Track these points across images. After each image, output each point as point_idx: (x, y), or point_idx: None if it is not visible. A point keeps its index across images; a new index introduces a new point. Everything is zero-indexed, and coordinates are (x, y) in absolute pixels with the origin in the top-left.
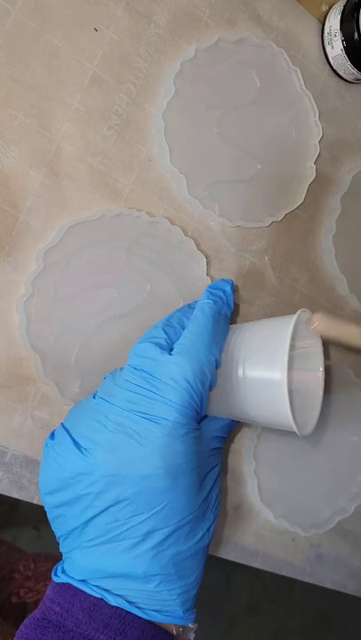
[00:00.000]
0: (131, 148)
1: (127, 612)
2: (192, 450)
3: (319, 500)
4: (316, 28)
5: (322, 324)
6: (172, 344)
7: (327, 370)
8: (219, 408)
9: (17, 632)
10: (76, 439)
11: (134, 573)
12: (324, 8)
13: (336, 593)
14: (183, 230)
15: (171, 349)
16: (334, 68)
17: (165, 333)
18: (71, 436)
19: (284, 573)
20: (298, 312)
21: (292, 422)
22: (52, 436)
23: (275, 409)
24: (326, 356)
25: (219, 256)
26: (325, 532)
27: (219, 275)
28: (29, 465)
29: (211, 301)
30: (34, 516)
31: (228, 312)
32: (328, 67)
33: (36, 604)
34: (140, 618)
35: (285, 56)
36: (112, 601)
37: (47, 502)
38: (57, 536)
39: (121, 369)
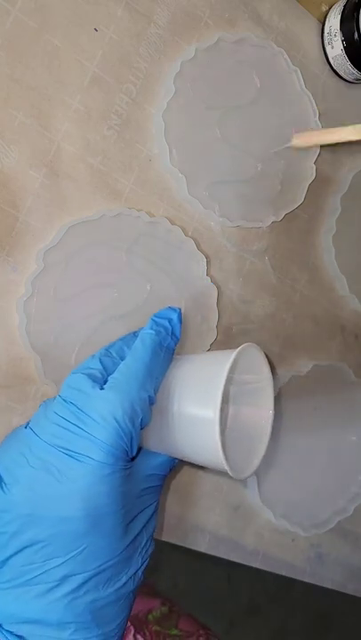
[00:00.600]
0: (131, 148)
1: None
2: (117, 491)
3: (319, 499)
4: (316, 28)
5: (299, 139)
6: (108, 376)
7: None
8: (155, 443)
9: None
10: (1, 472)
11: (49, 620)
12: (324, 8)
13: (336, 593)
14: (183, 230)
15: (105, 381)
16: (334, 68)
17: (101, 364)
18: None
19: (284, 573)
20: (242, 346)
21: (224, 464)
22: None
23: (208, 449)
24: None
25: (219, 256)
26: (325, 531)
27: (219, 275)
28: None
29: (153, 332)
30: None
31: (173, 343)
32: (328, 67)
33: None
34: None
35: (285, 56)
36: None
37: None
38: None
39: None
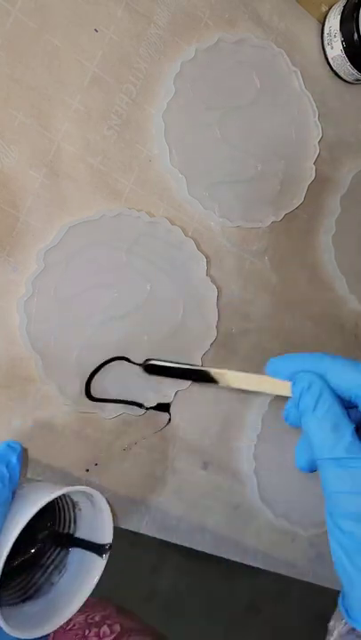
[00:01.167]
0: (131, 149)
1: None
2: None
3: (319, 499)
4: (315, 29)
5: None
6: None
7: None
8: None
9: None
10: None
11: None
12: (323, 9)
13: (336, 593)
14: (183, 230)
15: None
16: (334, 68)
17: None
18: None
19: (284, 573)
20: (63, 490)
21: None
22: None
23: None
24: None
25: (219, 256)
26: (325, 531)
27: (219, 275)
28: (30, 465)
29: None
30: None
31: (9, 493)
32: (328, 67)
33: None
34: None
35: (285, 56)
36: None
37: None
38: None
39: None
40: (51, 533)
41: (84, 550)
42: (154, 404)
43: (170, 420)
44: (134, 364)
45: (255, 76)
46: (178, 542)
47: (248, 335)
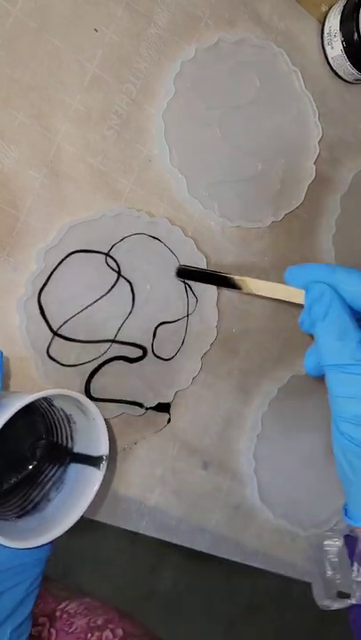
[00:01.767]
0: (131, 149)
1: None
2: None
3: (319, 499)
4: (315, 29)
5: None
6: None
7: None
8: None
9: None
10: None
11: None
12: (323, 8)
13: None
14: (183, 230)
15: None
16: (334, 68)
17: None
18: None
19: (284, 573)
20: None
21: None
22: None
23: None
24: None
25: (219, 256)
26: (325, 531)
27: None
28: None
29: None
30: None
31: None
32: (328, 67)
33: None
34: None
35: (285, 56)
36: None
37: None
38: None
39: None
40: (48, 449)
41: (82, 465)
42: (154, 404)
43: (170, 419)
44: (134, 363)
45: (255, 76)
46: (178, 542)
47: (248, 335)
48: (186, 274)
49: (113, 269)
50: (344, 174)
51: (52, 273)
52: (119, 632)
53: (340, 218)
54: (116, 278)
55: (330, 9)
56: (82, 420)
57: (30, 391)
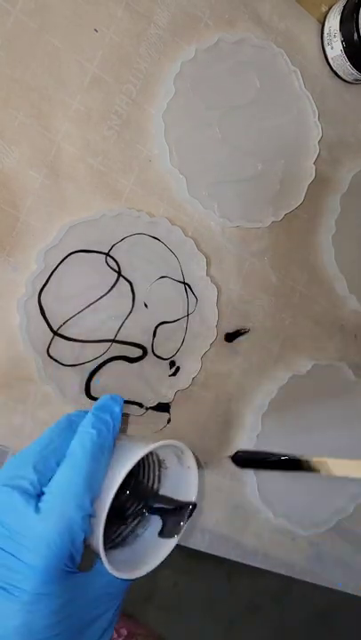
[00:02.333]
0: (131, 149)
1: None
2: (58, 615)
3: (319, 499)
4: (315, 29)
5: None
6: (42, 487)
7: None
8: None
9: None
10: None
11: None
12: (323, 9)
13: (336, 592)
14: (183, 230)
15: (40, 494)
16: (334, 68)
17: (36, 472)
18: None
19: (283, 573)
20: (164, 442)
21: (102, 555)
22: None
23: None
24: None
25: (219, 256)
26: (325, 531)
27: (219, 275)
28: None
29: (94, 432)
30: None
31: (112, 441)
32: (328, 67)
33: None
34: None
35: (285, 56)
36: None
37: None
38: None
39: None
40: (134, 487)
41: (165, 506)
42: (154, 404)
43: (170, 419)
44: (134, 362)
45: (255, 76)
46: (178, 542)
47: (248, 335)
48: (244, 462)
49: (113, 269)
50: (344, 174)
51: (52, 273)
52: (123, 632)
53: (340, 218)
54: (116, 278)
55: (330, 9)
56: (174, 465)
57: (144, 437)
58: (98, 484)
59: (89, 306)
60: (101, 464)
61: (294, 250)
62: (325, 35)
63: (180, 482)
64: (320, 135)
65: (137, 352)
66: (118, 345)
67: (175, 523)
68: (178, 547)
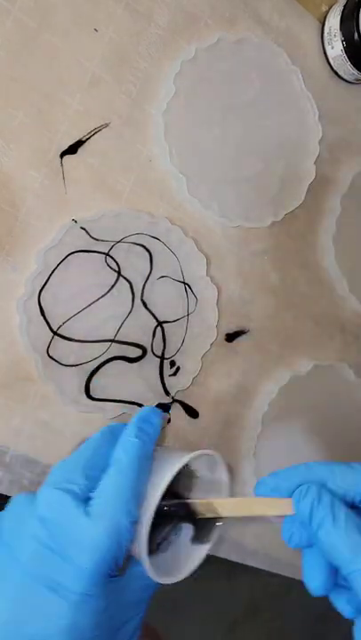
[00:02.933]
0: (131, 149)
1: None
2: (102, 616)
3: None
4: (316, 29)
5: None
6: (90, 492)
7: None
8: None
9: None
10: None
11: None
12: (324, 8)
13: None
14: (183, 230)
15: (88, 499)
16: (334, 68)
17: (85, 478)
18: None
19: (284, 573)
20: (199, 452)
21: (146, 560)
22: None
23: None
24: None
25: (219, 256)
26: None
27: (219, 275)
28: (30, 465)
29: (138, 441)
30: None
31: (152, 449)
32: (328, 67)
33: None
34: None
35: (285, 56)
36: None
37: None
38: None
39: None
40: (165, 495)
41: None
42: (154, 404)
43: (170, 420)
44: (134, 362)
45: (255, 76)
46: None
47: (248, 335)
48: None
49: (113, 269)
50: (344, 174)
51: (51, 273)
52: None
53: (341, 218)
54: (115, 278)
55: (330, 9)
56: (206, 475)
57: (180, 449)
58: (142, 492)
59: (89, 306)
60: (145, 472)
61: (295, 250)
62: (326, 34)
63: (211, 491)
64: (320, 135)
65: (137, 352)
66: (118, 345)
67: (207, 529)
68: None
